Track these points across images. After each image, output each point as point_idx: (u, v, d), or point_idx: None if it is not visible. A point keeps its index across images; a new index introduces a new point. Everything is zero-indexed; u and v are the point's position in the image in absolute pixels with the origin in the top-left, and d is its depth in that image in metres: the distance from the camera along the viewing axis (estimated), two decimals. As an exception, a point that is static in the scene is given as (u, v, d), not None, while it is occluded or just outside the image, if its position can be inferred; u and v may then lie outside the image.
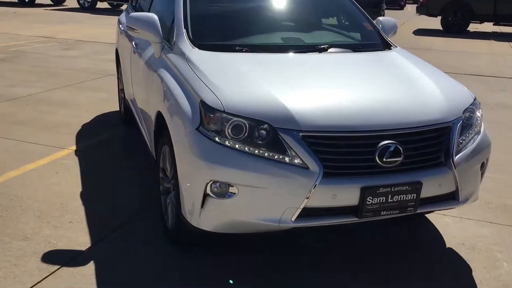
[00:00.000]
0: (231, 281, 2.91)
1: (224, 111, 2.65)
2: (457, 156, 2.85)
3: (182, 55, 3.28)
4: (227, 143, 2.61)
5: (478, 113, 3.15)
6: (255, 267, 3.07)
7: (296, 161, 2.56)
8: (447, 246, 3.43)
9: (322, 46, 3.53)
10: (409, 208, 2.77)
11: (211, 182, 2.62)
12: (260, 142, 2.60)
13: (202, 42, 3.42)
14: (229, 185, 2.60)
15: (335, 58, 3.44)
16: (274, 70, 3.11)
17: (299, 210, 2.58)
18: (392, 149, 2.65)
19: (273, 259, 3.16)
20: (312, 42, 3.66)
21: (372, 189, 2.63)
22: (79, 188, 4.07)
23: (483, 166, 3.14)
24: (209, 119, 2.66)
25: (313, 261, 3.17)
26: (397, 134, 2.70)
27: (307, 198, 2.55)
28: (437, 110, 2.87)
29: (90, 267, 3.01)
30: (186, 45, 3.35)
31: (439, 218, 3.82)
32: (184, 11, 3.63)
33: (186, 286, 2.88)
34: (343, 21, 4.29)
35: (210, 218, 2.69)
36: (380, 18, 4.23)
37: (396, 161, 2.67)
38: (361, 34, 4.02)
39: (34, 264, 3.01)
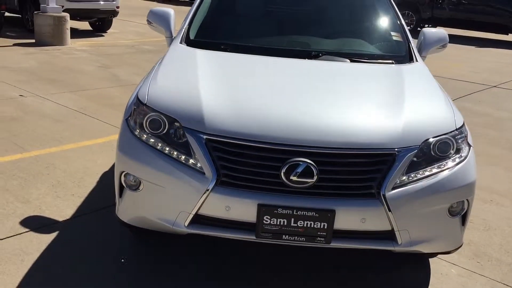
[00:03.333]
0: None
1: (145, 104, 2.66)
2: (394, 191, 2.43)
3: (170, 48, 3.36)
4: (144, 137, 2.62)
5: (458, 145, 2.63)
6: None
7: (198, 164, 2.46)
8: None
9: (315, 53, 3.28)
10: (318, 238, 2.45)
11: (124, 173, 2.66)
12: (175, 140, 2.56)
13: (197, 38, 3.45)
14: (139, 179, 2.61)
15: (318, 66, 3.17)
16: (233, 72, 3.00)
17: (191, 216, 2.48)
18: (301, 168, 2.38)
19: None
20: (315, 48, 3.41)
21: (269, 208, 2.39)
22: (107, 168, 4.40)
23: (457, 209, 2.62)
24: (134, 111, 2.70)
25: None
26: (314, 153, 2.41)
27: (198, 205, 2.44)
28: (375, 135, 2.48)
29: (51, 236, 3.26)
30: (177, 40, 3.42)
31: (441, 267, 3.27)
32: (196, 8, 3.70)
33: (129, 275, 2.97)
34: (373, 28, 3.88)
35: (125, 209, 2.73)
36: (425, 29, 3.74)
37: (307, 182, 2.39)
38: (386, 44, 3.61)
39: (11, 224, 3.38)
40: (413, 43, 3.62)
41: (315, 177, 2.39)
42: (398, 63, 3.32)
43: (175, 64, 3.06)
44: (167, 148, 2.53)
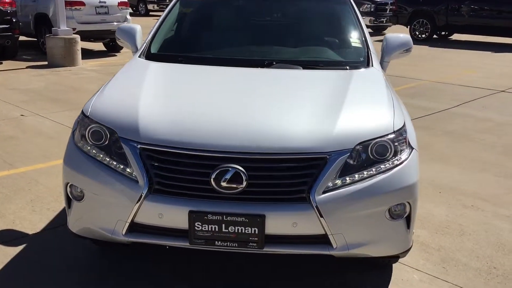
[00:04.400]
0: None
1: (88, 117, 2.73)
2: (325, 195, 2.42)
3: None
4: (86, 148, 2.68)
5: (396, 147, 2.60)
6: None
7: (134, 173, 2.51)
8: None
9: (268, 62, 3.30)
10: (251, 244, 2.46)
11: (69, 184, 2.73)
12: (115, 150, 2.62)
13: (158, 51, 3.53)
14: (82, 189, 2.67)
15: (267, 75, 3.20)
16: (178, 82, 3.06)
17: (127, 224, 2.52)
18: (230, 174, 2.40)
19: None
20: (270, 57, 3.44)
21: (200, 215, 2.42)
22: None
23: (399, 211, 2.59)
24: (78, 123, 2.78)
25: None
26: (243, 159, 2.43)
27: (133, 213, 2.48)
28: (305, 139, 2.48)
29: (17, 249, 3.35)
30: (137, 54, 3.51)
31: (404, 272, 3.22)
32: (160, 23, 3.78)
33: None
34: (333, 36, 3.88)
35: (74, 221, 2.79)
36: (388, 34, 3.73)
37: (236, 187, 2.41)
38: (344, 51, 3.61)
39: (-18, 237, 3.49)
40: (373, 48, 3.61)
41: (245, 183, 2.40)
42: (354, 69, 3.32)
43: (125, 77, 3.14)
44: (107, 159, 2.59)
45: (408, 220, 2.66)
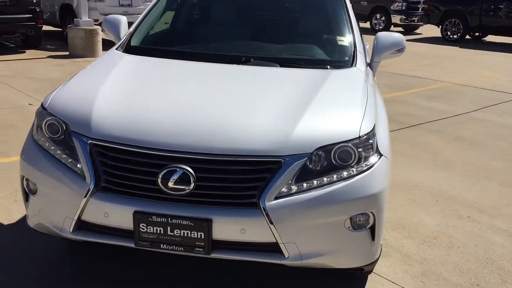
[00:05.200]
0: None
1: (45, 109, 2.67)
2: (276, 201, 2.29)
3: None
4: (42, 140, 2.62)
5: (360, 153, 2.44)
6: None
7: (83, 169, 2.43)
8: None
9: (245, 58, 3.18)
10: (197, 249, 2.35)
11: (25, 178, 2.67)
12: (70, 145, 2.54)
13: (139, 44, 3.45)
14: (35, 183, 2.61)
15: (240, 71, 3.07)
16: (144, 77, 2.97)
17: (74, 222, 2.44)
18: (177, 174, 2.29)
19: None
20: (247, 54, 3.29)
21: (144, 216, 2.32)
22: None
23: (361, 222, 2.44)
24: (36, 115, 2.72)
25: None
26: (193, 159, 2.32)
27: (79, 210, 2.41)
28: (259, 141, 2.34)
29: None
30: (115, 46, 3.43)
31: (378, 285, 3.06)
32: (144, 16, 3.70)
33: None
34: (319, 34, 3.71)
35: (31, 215, 2.73)
36: (380, 33, 3.55)
37: (183, 189, 2.30)
38: (329, 49, 3.45)
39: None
40: (361, 48, 3.43)
41: (192, 184, 2.29)
42: (336, 68, 3.15)
43: (93, 70, 3.07)
44: (59, 153, 2.52)
45: (373, 231, 2.50)
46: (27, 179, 2.64)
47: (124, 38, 3.55)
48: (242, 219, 2.29)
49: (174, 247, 2.36)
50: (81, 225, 2.47)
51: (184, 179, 2.29)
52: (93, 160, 2.40)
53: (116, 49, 3.42)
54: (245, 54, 3.27)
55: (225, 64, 3.12)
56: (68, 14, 11.64)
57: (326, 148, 2.40)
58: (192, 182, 2.29)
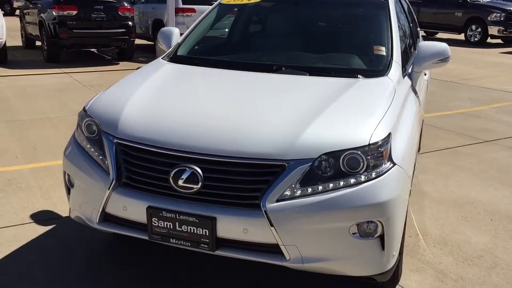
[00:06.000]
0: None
1: (85, 110, 2.94)
2: (278, 203, 2.35)
3: None
4: (80, 139, 2.89)
5: (369, 161, 2.44)
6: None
7: (109, 166, 2.65)
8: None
9: (276, 67, 3.27)
10: (202, 245, 2.46)
11: (66, 173, 2.95)
12: (102, 143, 2.77)
13: (185, 54, 3.67)
14: (72, 178, 2.88)
15: (269, 79, 3.15)
16: (179, 83, 3.15)
17: (99, 213, 2.66)
18: (187, 174, 2.43)
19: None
20: (280, 63, 3.36)
21: (156, 211, 2.48)
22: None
23: (368, 230, 2.43)
24: (79, 116, 2.99)
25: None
26: (202, 160, 2.45)
27: (103, 203, 2.62)
28: (265, 145, 2.41)
29: (46, 229, 3.69)
30: (162, 56, 3.67)
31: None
32: (196, 25, 3.92)
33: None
34: (356, 43, 3.68)
35: (71, 208, 2.99)
36: (423, 42, 3.48)
37: (192, 188, 2.44)
38: (363, 58, 3.43)
39: (24, 215, 3.89)
40: (398, 57, 3.38)
41: (200, 184, 2.42)
42: (367, 77, 3.14)
43: (135, 76, 3.30)
44: (92, 150, 2.76)
45: (382, 241, 2.47)
46: (68, 174, 2.91)
47: (172, 48, 3.78)
48: (244, 219, 2.37)
49: (182, 242, 2.50)
50: (106, 217, 2.68)
51: (192, 178, 2.42)
52: (117, 158, 2.61)
53: (163, 58, 3.66)
54: (280, 63, 3.35)
55: (257, 73, 3.22)
56: (159, 29, 12.34)
57: (334, 154, 2.42)
58: (200, 181, 2.42)
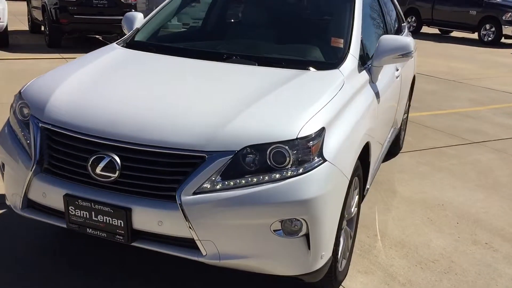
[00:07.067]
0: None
1: (20, 93, 2.86)
2: (193, 196, 2.25)
3: None
4: (13, 122, 2.81)
5: (295, 156, 2.32)
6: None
7: (32, 150, 2.57)
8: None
9: (227, 56, 3.15)
10: (117, 236, 2.37)
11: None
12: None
13: (144, 40, 3.58)
14: (2, 162, 2.80)
15: (214, 68, 3.04)
16: (118, 69, 3.05)
17: (21, 199, 2.59)
18: (104, 161, 2.34)
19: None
20: (235, 52, 3.23)
21: (73, 199, 2.40)
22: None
23: (292, 228, 2.32)
24: (14, 98, 2.92)
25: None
26: (120, 148, 2.35)
27: (24, 188, 2.55)
28: (185, 135, 2.30)
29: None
30: (117, 41, 3.58)
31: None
32: (158, 11, 3.83)
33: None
34: (314, 34, 3.54)
35: (5, 194, 2.91)
36: (384, 36, 3.33)
37: (109, 176, 2.35)
38: (324, 51, 3.29)
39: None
40: (355, 51, 3.23)
41: (117, 172, 2.33)
42: (319, 70, 3.01)
43: (80, 60, 3.21)
44: (22, 134, 2.68)
45: (308, 240, 2.36)
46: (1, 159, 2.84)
47: (130, 33, 3.69)
48: (159, 211, 2.28)
49: (98, 232, 2.42)
50: (29, 203, 2.61)
51: (110, 166, 2.33)
52: (42, 143, 2.53)
53: (117, 43, 3.56)
54: (235, 52, 3.23)
55: (205, 61, 3.11)
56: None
57: (259, 148, 2.31)
58: (117, 170, 2.33)
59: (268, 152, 2.31)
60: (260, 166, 2.31)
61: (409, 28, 18.37)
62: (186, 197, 2.24)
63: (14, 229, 3.38)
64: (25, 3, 14.44)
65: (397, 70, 4.07)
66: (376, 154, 3.43)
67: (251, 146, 2.29)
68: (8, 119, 2.89)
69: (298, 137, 2.33)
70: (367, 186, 3.43)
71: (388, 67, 3.72)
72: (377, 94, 3.30)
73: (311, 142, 2.35)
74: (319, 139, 2.39)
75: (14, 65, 9.06)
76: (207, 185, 2.26)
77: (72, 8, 10.57)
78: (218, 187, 2.27)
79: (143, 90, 2.71)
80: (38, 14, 12.05)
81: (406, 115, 5.59)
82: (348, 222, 3.02)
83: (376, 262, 3.28)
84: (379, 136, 3.47)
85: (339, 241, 2.71)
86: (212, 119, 2.38)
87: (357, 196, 3.07)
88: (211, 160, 2.26)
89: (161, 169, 2.31)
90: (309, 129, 2.37)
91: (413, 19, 18.65)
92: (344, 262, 2.99)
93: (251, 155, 2.31)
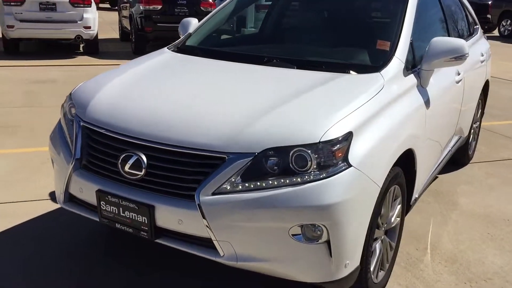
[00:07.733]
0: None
1: (70, 94, 3.04)
2: (212, 197, 2.26)
3: None
4: (63, 122, 2.99)
5: (318, 160, 2.26)
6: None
7: (74, 148, 2.72)
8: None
9: (267, 59, 3.15)
10: (142, 232, 2.44)
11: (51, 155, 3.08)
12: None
13: (195, 44, 3.67)
14: (52, 159, 3.00)
15: (254, 71, 3.03)
16: (164, 71, 3.14)
17: (63, 193, 2.74)
18: (132, 160, 2.43)
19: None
20: (277, 56, 3.20)
21: (103, 195, 2.50)
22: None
23: (311, 233, 2.27)
24: (65, 99, 3.10)
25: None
26: (148, 147, 2.42)
27: (65, 184, 2.70)
28: (206, 136, 2.32)
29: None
30: (170, 45, 3.70)
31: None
32: (210, 16, 3.91)
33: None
34: (360, 37, 3.41)
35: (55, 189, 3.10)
36: (438, 38, 3.18)
37: (137, 174, 2.43)
38: (370, 54, 3.18)
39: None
40: (402, 54, 3.09)
41: (143, 171, 2.40)
42: (360, 73, 2.91)
43: (130, 64, 3.35)
44: (69, 133, 2.85)
45: (329, 247, 2.29)
46: (51, 158, 3.04)
47: (181, 38, 3.79)
48: (179, 210, 2.32)
49: (125, 227, 2.50)
50: (70, 198, 2.76)
51: (137, 165, 2.41)
52: (82, 141, 2.67)
53: (168, 47, 3.68)
54: (277, 55, 3.22)
55: (245, 64, 3.12)
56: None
57: (280, 150, 2.28)
58: (143, 168, 2.40)
59: (290, 155, 2.27)
60: (282, 169, 2.28)
61: (503, 32, 17.38)
62: (205, 197, 2.26)
63: (67, 221, 3.59)
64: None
65: (458, 74, 3.85)
66: (425, 162, 3.26)
67: (272, 149, 2.27)
68: (59, 120, 3.08)
69: (321, 140, 2.27)
70: (415, 196, 3.26)
71: (446, 71, 3.52)
72: (426, 99, 3.14)
73: (335, 147, 2.28)
74: (345, 143, 2.32)
75: (101, 70, 9.62)
76: (227, 186, 2.27)
77: (156, 16, 11.06)
78: (237, 188, 2.26)
79: (176, 92, 2.77)
80: (126, 23, 12.73)
81: (477, 123, 5.26)
82: (388, 232, 2.90)
83: (421, 277, 3.11)
84: (430, 144, 3.30)
85: (371, 251, 2.60)
86: (236, 120, 2.39)
87: (399, 206, 2.94)
88: (231, 161, 2.26)
89: (183, 168, 2.35)
90: (334, 133, 2.31)
91: (508, 22, 17.58)
92: (381, 273, 2.86)
93: (272, 158, 2.28)
